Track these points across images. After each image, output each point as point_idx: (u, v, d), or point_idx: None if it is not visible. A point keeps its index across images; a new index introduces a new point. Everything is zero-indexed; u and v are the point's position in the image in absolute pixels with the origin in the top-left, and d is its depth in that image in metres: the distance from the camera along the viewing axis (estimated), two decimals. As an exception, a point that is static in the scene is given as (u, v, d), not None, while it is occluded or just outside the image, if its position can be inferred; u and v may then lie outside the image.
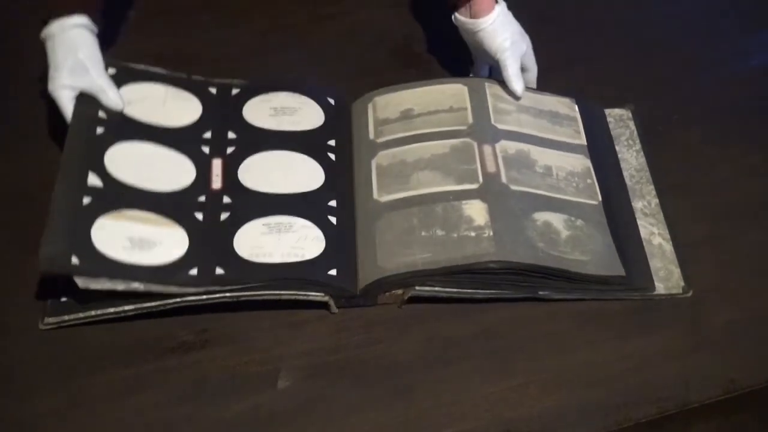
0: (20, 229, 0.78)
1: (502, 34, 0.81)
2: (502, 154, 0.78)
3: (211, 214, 0.74)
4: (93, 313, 0.70)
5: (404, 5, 1.02)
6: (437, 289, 0.72)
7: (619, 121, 0.88)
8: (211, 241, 0.73)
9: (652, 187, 0.82)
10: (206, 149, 0.79)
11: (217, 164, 0.78)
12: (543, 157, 0.80)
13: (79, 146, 0.75)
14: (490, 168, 0.77)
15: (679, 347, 0.71)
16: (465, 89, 0.85)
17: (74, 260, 0.67)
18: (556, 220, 0.75)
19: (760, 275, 0.76)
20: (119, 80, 0.80)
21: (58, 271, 0.68)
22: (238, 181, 0.77)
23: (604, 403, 0.68)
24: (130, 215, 0.72)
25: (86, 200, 0.71)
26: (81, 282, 0.68)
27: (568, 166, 0.80)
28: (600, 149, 0.84)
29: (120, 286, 0.68)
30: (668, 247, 0.78)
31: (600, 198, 0.78)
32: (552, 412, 0.67)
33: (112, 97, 0.77)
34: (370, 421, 0.67)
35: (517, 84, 0.83)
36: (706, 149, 0.86)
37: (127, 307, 0.70)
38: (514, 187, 0.76)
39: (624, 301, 0.74)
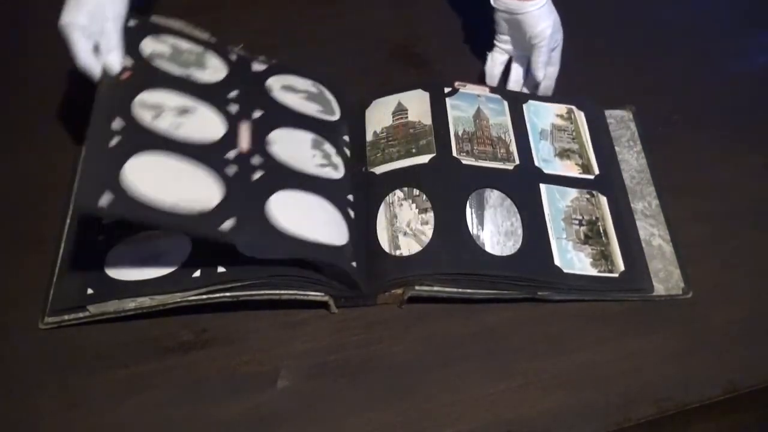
0: (20, 229, 0.78)
1: (546, 20, 0.82)
2: None
3: (242, 172, 0.71)
4: (93, 312, 0.70)
5: (404, 5, 1.02)
6: (437, 289, 0.72)
7: (620, 122, 0.88)
8: (244, 198, 0.69)
9: (652, 188, 0.82)
10: (234, 108, 0.75)
11: (245, 127, 0.74)
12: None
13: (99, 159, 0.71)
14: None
15: (679, 348, 0.71)
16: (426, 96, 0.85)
17: (89, 291, 0.70)
18: None
19: (760, 276, 0.76)
20: (141, 32, 0.76)
21: (75, 304, 0.70)
22: (266, 149, 0.74)
23: (604, 403, 0.68)
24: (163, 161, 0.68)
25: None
26: (93, 309, 0.70)
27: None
28: (601, 152, 0.84)
29: (130, 304, 0.70)
30: (668, 248, 0.78)
31: None
32: (552, 412, 0.67)
33: (111, 60, 0.71)
34: (370, 421, 0.67)
35: (540, 72, 0.85)
36: (707, 150, 0.86)
37: (128, 306, 0.70)
38: None
39: (624, 302, 0.74)
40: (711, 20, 1.01)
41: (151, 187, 0.64)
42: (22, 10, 1.00)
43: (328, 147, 0.79)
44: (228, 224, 0.65)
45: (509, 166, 0.80)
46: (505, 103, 0.86)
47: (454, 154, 0.79)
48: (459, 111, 0.84)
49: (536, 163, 0.81)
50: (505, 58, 0.89)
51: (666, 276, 0.76)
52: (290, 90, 0.82)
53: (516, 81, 0.89)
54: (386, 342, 0.71)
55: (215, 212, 0.65)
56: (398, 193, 0.77)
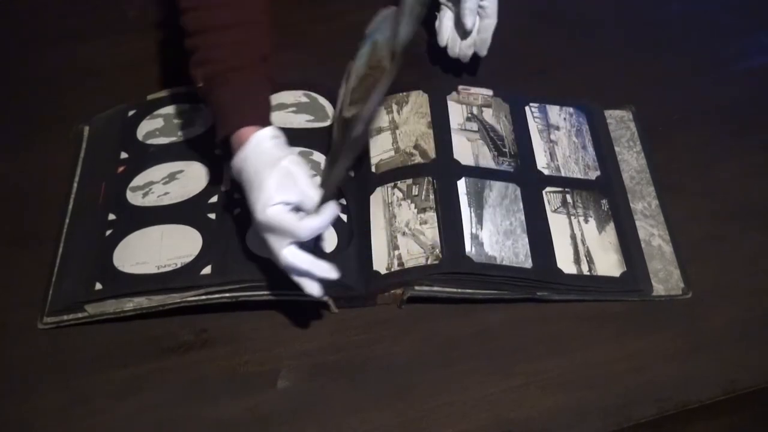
0: (19, 228, 0.78)
1: None
2: None
3: (222, 213, 0.75)
4: (91, 312, 0.70)
5: (404, 5, 1.02)
6: (437, 289, 0.72)
7: (620, 122, 0.88)
8: (223, 238, 0.73)
9: (652, 188, 0.82)
10: (219, 152, 0.78)
11: (228, 166, 0.78)
12: None
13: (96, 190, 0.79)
14: None
15: (679, 348, 0.71)
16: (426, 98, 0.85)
17: (97, 286, 0.71)
18: None
19: (759, 276, 0.76)
20: (138, 118, 0.84)
21: (83, 298, 0.70)
22: None
23: (604, 404, 0.68)
24: (146, 232, 0.74)
25: (108, 233, 0.74)
26: (91, 309, 0.70)
27: None
28: (601, 152, 0.84)
29: (128, 305, 0.70)
30: (668, 248, 0.78)
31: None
32: (552, 412, 0.67)
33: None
34: (370, 421, 0.67)
35: (468, 19, 0.82)
36: (707, 150, 0.86)
37: (126, 307, 0.70)
38: None
39: (623, 302, 0.74)
40: (711, 20, 1.01)
41: (137, 260, 0.72)
42: (22, 10, 1.00)
43: (316, 156, 0.79)
44: (208, 268, 0.70)
45: (509, 168, 0.80)
46: (507, 106, 0.86)
47: (455, 155, 0.79)
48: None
49: (538, 167, 0.81)
50: (451, 14, 0.87)
51: (666, 276, 0.76)
52: (279, 108, 0.84)
53: (452, 39, 0.87)
54: (386, 342, 0.71)
55: (196, 260, 0.71)
56: (397, 193, 0.77)
